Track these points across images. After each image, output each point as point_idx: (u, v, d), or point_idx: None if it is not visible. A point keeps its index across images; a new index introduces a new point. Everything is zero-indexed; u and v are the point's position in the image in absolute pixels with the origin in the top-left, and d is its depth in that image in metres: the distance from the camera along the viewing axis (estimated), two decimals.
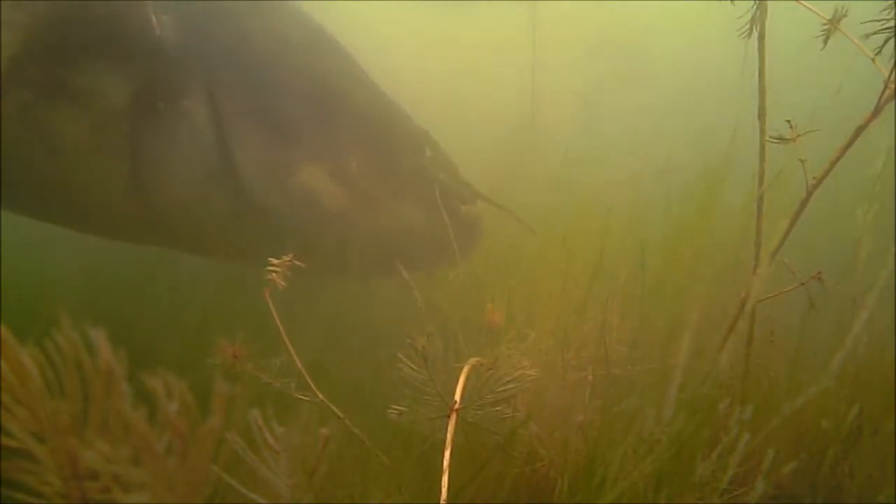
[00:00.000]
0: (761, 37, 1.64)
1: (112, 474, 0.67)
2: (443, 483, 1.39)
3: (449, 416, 1.53)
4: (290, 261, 1.67)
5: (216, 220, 2.36)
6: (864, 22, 1.46)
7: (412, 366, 1.60)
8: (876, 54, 1.46)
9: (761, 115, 1.65)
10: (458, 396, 1.57)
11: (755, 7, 1.65)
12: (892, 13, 1.40)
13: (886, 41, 1.43)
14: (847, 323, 1.68)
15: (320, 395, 1.65)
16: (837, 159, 1.49)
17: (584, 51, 3.50)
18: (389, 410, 1.59)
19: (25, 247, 2.76)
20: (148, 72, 2.19)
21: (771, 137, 1.58)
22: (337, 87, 2.52)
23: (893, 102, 1.50)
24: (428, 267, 2.62)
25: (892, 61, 1.41)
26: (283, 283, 1.65)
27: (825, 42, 1.58)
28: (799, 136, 1.53)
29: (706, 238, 2.01)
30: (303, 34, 2.61)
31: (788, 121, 1.54)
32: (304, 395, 1.66)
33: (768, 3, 1.64)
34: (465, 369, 1.62)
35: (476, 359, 1.66)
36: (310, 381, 1.65)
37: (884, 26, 1.42)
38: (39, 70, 2.06)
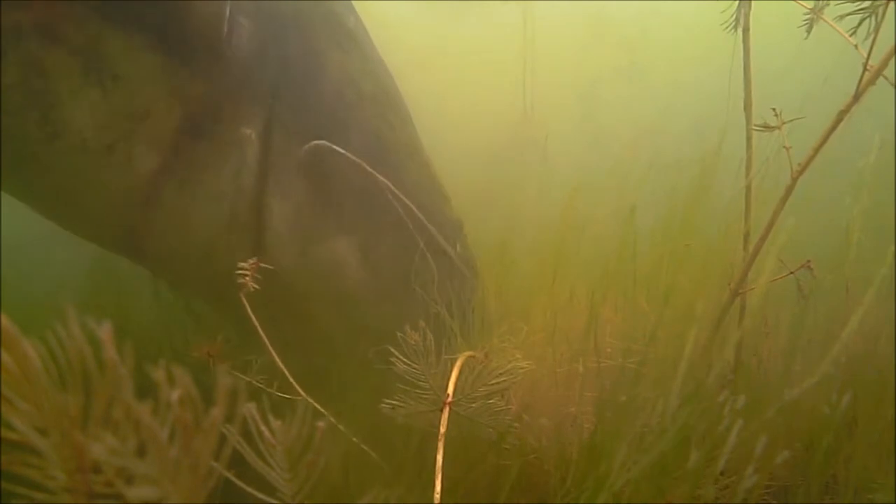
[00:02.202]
0: (745, 30, 1.66)
1: (117, 467, 0.66)
2: (437, 478, 1.39)
3: (442, 410, 1.54)
4: (256, 263, 1.67)
5: (226, 271, 1.96)
6: (839, 3, 1.47)
7: (404, 360, 1.60)
8: (851, 34, 1.48)
9: (747, 106, 1.67)
10: (450, 390, 1.57)
11: (738, 2, 1.66)
12: None
13: (861, 21, 1.45)
14: (840, 312, 1.70)
15: (303, 393, 1.65)
16: (821, 145, 1.50)
17: (580, 44, 3.50)
18: (382, 404, 1.59)
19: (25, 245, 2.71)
20: (205, 79, 1.85)
21: (756, 126, 1.59)
22: (393, 158, 2.24)
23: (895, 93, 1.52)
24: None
25: (870, 47, 1.43)
26: (253, 285, 1.65)
27: (808, 31, 1.59)
28: (784, 123, 1.55)
29: (699, 229, 2.02)
30: (376, 86, 2.29)
31: (774, 109, 1.56)
32: (285, 395, 1.66)
33: None
34: (458, 362, 1.62)
35: (469, 352, 1.67)
36: (292, 380, 1.65)
37: (858, 7, 1.44)
38: (72, 28, 1.64)
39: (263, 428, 1.09)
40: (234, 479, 1.06)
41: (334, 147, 2.01)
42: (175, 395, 0.64)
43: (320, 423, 1.14)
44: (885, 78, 1.43)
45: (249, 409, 1.08)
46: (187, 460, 0.66)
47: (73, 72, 1.65)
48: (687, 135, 2.64)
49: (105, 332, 0.64)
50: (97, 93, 1.68)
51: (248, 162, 1.93)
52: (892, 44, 1.38)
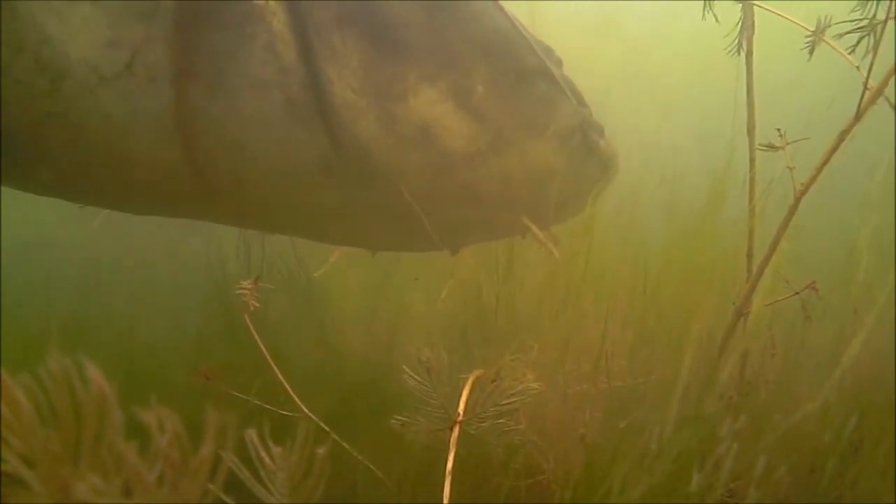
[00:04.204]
0: (748, 54, 1.66)
1: None
2: (445, 495, 1.41)
3: (452, 429, 1.55)
4: (256, 282, 1.63)
5: (298, 177, 1.75)
6: (838, 22, 1.47)
7: (416, 377, 1.62)
8: (850, 53, 1.47)
9: (750, 129, 1.67)
10: (461, 409, 1.59)
11: (740, 26, 1.67)
12: (864, 12, 1.43)
13: (860, 40, 1.44)
14: (847, 333, 1.69)
15: (306, 410, 1.66)
16: (823, 164, 1.50)
17: (589, 49, 3.48)
18: (393, 421, 1.61)
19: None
20: None
21: (761, 146, 1.59)
22: None
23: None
24: (558, 219, 2.10)
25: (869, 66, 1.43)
26: (255, 303, 1.62)
27: (811, 53, 1.59)
28: (788, 143, 1.55)
29: (707, 248, 2.02)
30: None
31: (778, 129, 1.56)
32: (289, 412, 1.68)
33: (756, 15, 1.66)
34: (469, 381, 1.64)
35: (479, 371, 1.68)
36: (296, 399, 1.66)
37: (856, 26, 1.44)
38: None
39: (264, 454, 1.12)
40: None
41: None
42: (163, 440, 0.67)
43: (320, 450, 1.17)
44: (886, 98, 1.43)
45: (250, 434, 1.11)
46: (174, 499, 0.69)
47: None
48: (693, 147, 2.64)
49: (93, 371, 0.67)
50: (86, 6, 1.47)
51: (278, 33, 1.62)
52: (892, 64, 1.38)
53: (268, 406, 1.67)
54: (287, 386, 1.64)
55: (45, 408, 0.72)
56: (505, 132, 1.83)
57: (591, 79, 3.28)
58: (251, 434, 1.10)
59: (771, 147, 1.56)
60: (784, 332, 1.73)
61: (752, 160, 1.68)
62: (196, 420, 0.79)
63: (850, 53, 1.47)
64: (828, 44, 1.55)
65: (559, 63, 2.02)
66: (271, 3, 1.62)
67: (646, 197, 2.23)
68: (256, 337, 1.61)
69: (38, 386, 0.73)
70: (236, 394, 1.67)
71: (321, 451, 1.13)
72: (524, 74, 1.87)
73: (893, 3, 1.42)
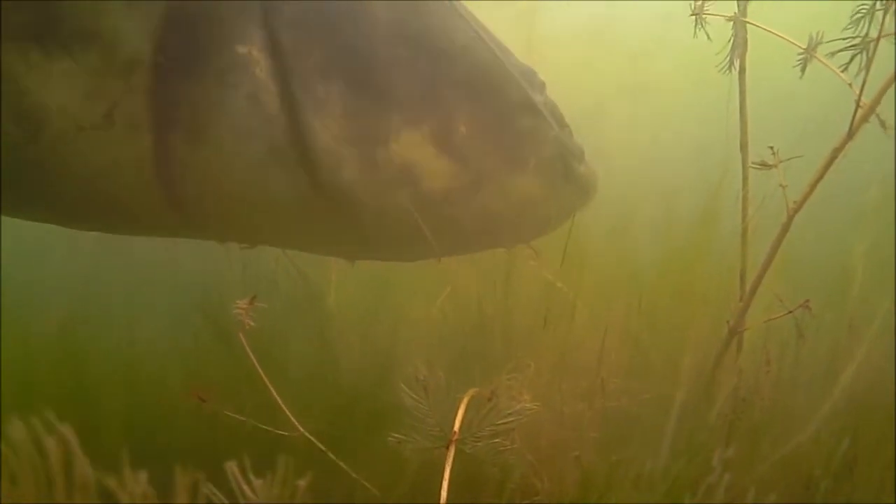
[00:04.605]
0: (741, 71, 1.67)
1: None
2: None
3: (448, 447, 1.55)
4: (252, 302, 1.61)
5: (280, 212, 1.78)
6: (831, 41, 1.48)
7: (413, 395, 1.62)
8: (843, 70, 1.48)
9: (743, 147, 1.67)
10: (457, 427, 1.58)
11: (732, 44, 1.67)
12: (856, 30, 1.43)
13: (853, 58, 1.45)
14: (843, 350, 1.69)
15: (301, 429, 1.66)
16: (817, 182, 1.51)
17: (584, 58, 3.48)
18: (389, 438, 1.61)
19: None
20: (175, 8, 1.57)
21: (754, 164, 1.59)
22: (433, 22, 1.85)
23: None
24: (534, 237, 2.11)
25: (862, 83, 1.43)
26: (251, 322, 1.60)
27: (803, 70, 1.60)
28: (781, 161, 1.55)
29: (702, 265, 2.02)
30: None
31: (771, 147, 1.57)
32: (284, 431, 1.67)
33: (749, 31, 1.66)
34: (465, 400, 1.64)
35: (475, 389, 1.68)
36: (290, 416, 1.65)
37: (849, 44, 1.44)
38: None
39: (245, 486, 1.11)
40: None
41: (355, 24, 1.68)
42: None
43: (301, 482, 1.16)
44: (878, 116, 1.43)
45: (231, 467, 1.10)
46: None
47: (28, 49, 1.48)
48: (688, 160, 2.64)
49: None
50: (66, 61, 1.50)
51: (262, 83, 1.64)
52: (884, 82, 1.39)
53: (264, 426, 1.67)
54: (283, 406, 1.64)
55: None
56: (486, 170, 1.86)
57: (586, 92, 3.28)
58: (232, 466, 1.09)
59: (764, 165, 1.56)
60: (778, 348, 1.73)
61: (744, 178, 1.68)
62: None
63: (842, 71, 1.48)
64: (820, 61, 1.55)
65: (542, 87, 2.05)
66: (254, 52, 1.64)
67: (641, 212, 2.23)
68: (253, 357, 1.61)
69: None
70: (231, 415, 1.67)
71: (302, 482, 1.13)
72: (506, 110, 1.89)
73: (884, 20, 1.43)
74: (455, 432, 1.57)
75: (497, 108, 1.88)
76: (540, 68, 3.26)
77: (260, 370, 1.63)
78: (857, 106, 1.45)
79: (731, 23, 1.71)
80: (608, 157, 3.01)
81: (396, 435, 1.61)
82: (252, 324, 1.64)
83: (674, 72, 3.24)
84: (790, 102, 2.57)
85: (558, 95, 3.29)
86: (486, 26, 1.99)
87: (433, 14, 1.86)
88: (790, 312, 1.57)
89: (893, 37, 1.43)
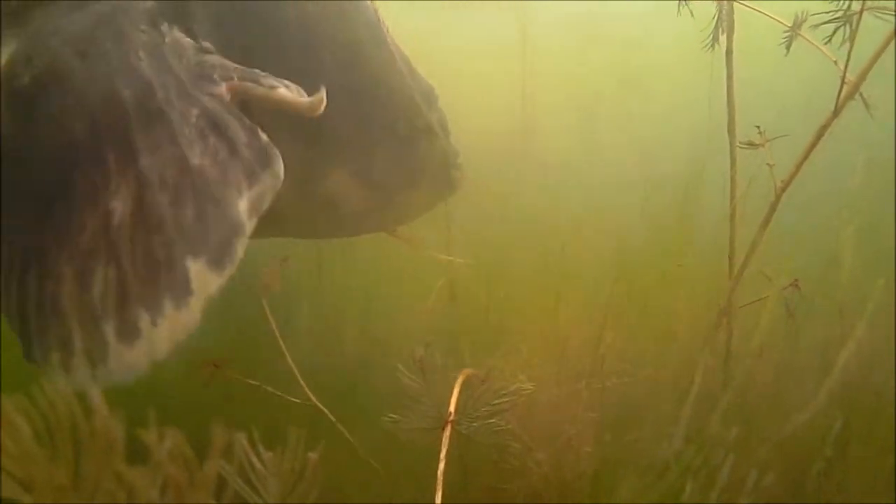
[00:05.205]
0: (728, 52, 1.68)
1: None
2: (437, 497, 1.42)
3: (444, 428, 1.57)
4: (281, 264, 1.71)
5: None
6: (816, 14, 1.49)
7: (410, 375, 1.63)
8: (825, 43, 1.49)
9: (731, 128, 1.69)
10: (452, 408, 1.60)
11: (716, 20, 1.69)
12: (840, 3, 1.45)
13: (836, 31, 1.46)
14: (834, 334, 1.70)
15: (313, 398, 1.67)
16: (803, 161, 1.52)
17: (579, 50, 3.47)
18: (385, 418, 1.62)
19: None
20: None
21: (741, 143, 1.61)
22: (371, 69, 1.98)
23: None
24: (399, 224, 2.34)
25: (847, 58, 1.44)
26: (277, 286, 1.71)
27: (788, 48, 1.61)
28: (768, 140, 1.57)
29: (688, 248, 2.03)
30: None
31: (758, 126, 1.58)
32: (296, 398, 1.69)
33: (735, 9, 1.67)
34: (460, 380, 1.65)
35: (469, 370, 1.69)
36: (304, 385, 1.67)
37: (832, 17, 1.46)
38: None
39: (255, 459, 1.11)
40: None
41: None
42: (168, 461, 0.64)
43: (312, 454, 1.16)
44: (861, 95, 1.44)
45: (240, 439, 1.10)
46: None
47: None
48: (681, 150, 2.65)
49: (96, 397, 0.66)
50: None
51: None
52: (869, 59, 1.40)
53: (277, 392, 1.69)
54: (296, 370, 1.65)
55: (43, 433, 0.71)
56: (391, 192, 2.11)
57: (580, 83, 3.29)
58: (241, 439, 1.06)
59: (751, 145, 1.58)
60: (769, 331, 1.75)
61: (732, 159, 1.70)
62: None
63: (825, 44, 1.49)
64: (805, 39, 1.57)
65: (436, 100, 2.23)
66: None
67: (634, 198, 2.25)
68: (273, 322, 1.62)
69: (36, 410, 0.72)
70: (248, 381, 1.69)
71: (314, 455, 1.11)
72: (412, 139, 2.08)
73: None
74: (451, 413, 1.59)
75: (407, 138, 2.07)
76: (536, 58, 3.27)
77: (278, 335, 1.65)
78: (843, 82, 1.46)
79: (716, 3, 1.71)
80: (606, 144, 3.03)
81: (393, 415, 1.63)
82: (278, 288, 1.67)
83: (664, 61, 3.25)
84: (775, 82, 2.59)
85: (553, 87, 3.30)
86: (396, 42, 2.12)
87: (372, 62, 2.00)
88: (781, 290, 1.58)
89: (877, 11, 1.43)
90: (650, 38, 3.27)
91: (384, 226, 2.26)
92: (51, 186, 1.43)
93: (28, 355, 1.34)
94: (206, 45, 1.68)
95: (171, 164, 1.43)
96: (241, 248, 1.41)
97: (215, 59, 1.65)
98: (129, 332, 1.31)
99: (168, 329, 1.32)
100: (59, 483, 0.68)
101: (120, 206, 1.38)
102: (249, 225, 1.44)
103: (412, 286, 2.45)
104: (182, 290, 1.35)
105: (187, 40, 1.65)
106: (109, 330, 1.31)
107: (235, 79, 1.61)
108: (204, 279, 1.36)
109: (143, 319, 1.32)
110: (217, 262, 1.38)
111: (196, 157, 1.45)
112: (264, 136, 1.54)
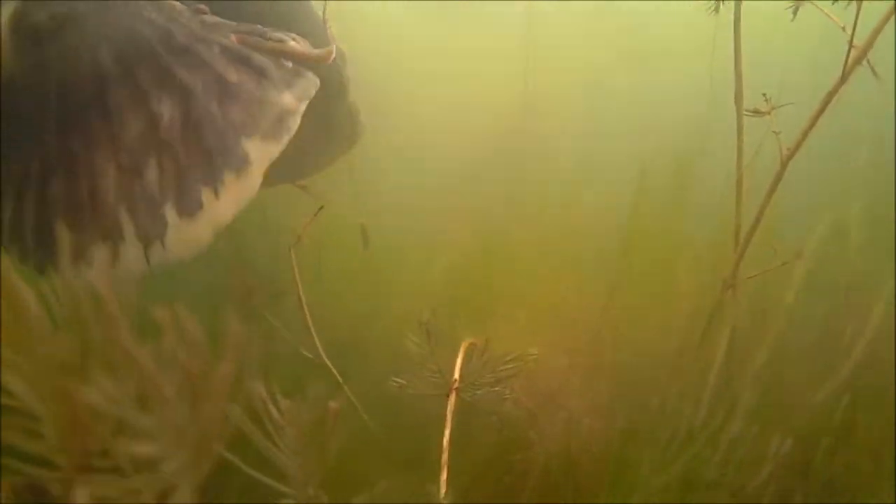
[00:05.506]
0: (736, 20, 1.66)
1: (115, 420, 0.63)
2: (443, 461, 1.42)
3: (448, 395, 1.57)
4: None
5: None
6: None
7: (416, 340, 1.63)
8: (834, 2, 1.48)
9: (738, 98, 1.68)
10: (457, 375, 1.60)
11: None
12: None
13: None
14: (840, 312, 1.70)
15: (323, 356, 1.67)
16: (810, 127, 1.51)
17: (583, 28, 3.46)
18: (391, 381, 1.62)
19: None
20: None
21: (747, 111, 1.61)
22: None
23: None
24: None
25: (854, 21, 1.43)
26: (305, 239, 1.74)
27: (794, 14, 1.60)
28: (774, 108, 1.56)
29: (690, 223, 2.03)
30: None
31: (764, 94, 1.58)
32: (308, 353, 1.70)
33: None
34: (463, 347, 1.65)
35: (472, 339, 1.69)
36: (317, 343, 1.66)
37: None
38: None
39: (272, 408, 1.04)
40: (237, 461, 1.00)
41: None
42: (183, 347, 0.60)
43: (333, 404, 1.14)
44: (868, 62, 1.44)
45: (258, 387, 1.06)
46: (194, 415, 0.63)
47: None
48: (681, 122, 2.65)
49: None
50: None
51: None
52: (876, 23, 1.39)
53: (287, 334, 1.70)
54: (309, 319, 1.64)
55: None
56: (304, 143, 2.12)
57: (588, 59, 3.27)
58: (259, 387, 1.02)
59: (757, 112, 1.58)
60: (774, 308, 1.75)
61: (739, 128, 1.69)
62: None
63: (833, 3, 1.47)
64: (812, 3, 1.56)
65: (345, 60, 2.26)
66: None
67: (635, 170, 2.25)
68: (297, 275, 1.63)
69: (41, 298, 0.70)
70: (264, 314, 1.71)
71: (335, 404, 1.07)
72: (334, 106, 2.15)
73: None
74: (455, 380, 1.59)
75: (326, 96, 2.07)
76: (540, 37, 3.25)
77: (300, 287, 1.64)
78: (850, 47, 1.46)
79: None
80: (610, 122, 3.02)
81: (398, 379, 1.62)
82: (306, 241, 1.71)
83: (667, 33, 3.24)
84: (780, 49, 2.59)
85: (560, 64, 3.27)
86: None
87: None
88: (784, 264, 1.58)
89: None
90: (653, 10, 3.27)
91: (292, 177, 2.28)
92: (72, 109, 1.46)
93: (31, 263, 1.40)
94: (202, 6, 1.70)
95: (210, 80, 1.48)
96: (293, 124, 1.49)
97: (215, 18, 1.68)
98: (191, 207, 1.37)
99: (230, 197, 1.40)
100: (60, 359, 0.65)
101: (168, 112, 1.43)
102: (300, 107, 1.52)
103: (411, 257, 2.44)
104: (240, 161, 1.42)
105: (183, 6, 1.67)
106: (169, 209, 1.37)
107: (242, 32, 1.64)
108: (260, 150, 1.44)
109: (205, 192, 1.39)
110: (272, 135, 1.46)
111: (233, 76, 1.51)
112: (289, 63, 1.59)
